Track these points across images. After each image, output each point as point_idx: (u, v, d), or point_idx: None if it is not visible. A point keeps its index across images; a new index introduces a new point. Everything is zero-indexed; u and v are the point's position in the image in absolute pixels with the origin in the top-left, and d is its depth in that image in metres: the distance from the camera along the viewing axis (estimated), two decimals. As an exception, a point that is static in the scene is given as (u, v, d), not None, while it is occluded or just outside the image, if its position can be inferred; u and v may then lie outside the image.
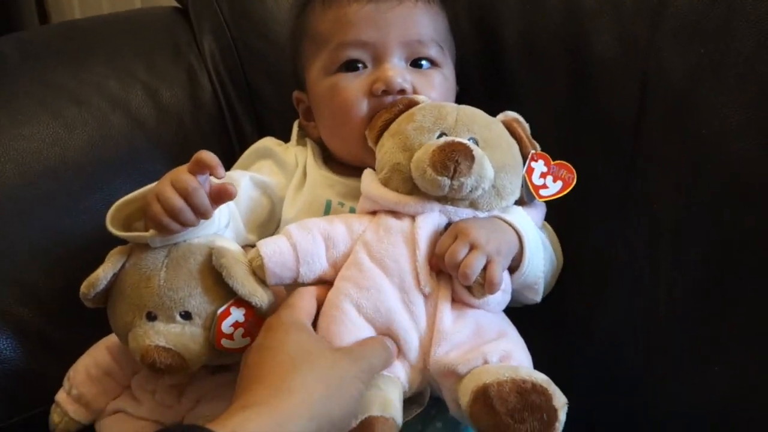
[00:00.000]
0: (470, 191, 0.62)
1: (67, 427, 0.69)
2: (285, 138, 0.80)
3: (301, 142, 0.79)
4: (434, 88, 0.72)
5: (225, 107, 0.89)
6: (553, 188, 0.66)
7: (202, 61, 0.90)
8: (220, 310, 0.61)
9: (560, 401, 0.55)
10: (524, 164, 0.67)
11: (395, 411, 0.56)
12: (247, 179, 0.73)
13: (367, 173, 0.68)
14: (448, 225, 0.63)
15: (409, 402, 0.62)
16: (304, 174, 0.75)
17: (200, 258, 0.62)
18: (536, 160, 0.67)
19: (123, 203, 0.65)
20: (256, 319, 0.61)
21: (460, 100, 0.80)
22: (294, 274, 0.63)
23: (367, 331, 0.61)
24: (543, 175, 0.66)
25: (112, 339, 0.70)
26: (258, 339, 0.57)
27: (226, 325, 0.61)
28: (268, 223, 0.74)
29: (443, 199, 0.63)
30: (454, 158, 0.60)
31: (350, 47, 0.71)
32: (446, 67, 0.74)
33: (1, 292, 0.74)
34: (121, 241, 0.66)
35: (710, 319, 0.65)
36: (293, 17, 0.82)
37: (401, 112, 0.68)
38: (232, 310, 0.61)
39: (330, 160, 0.77)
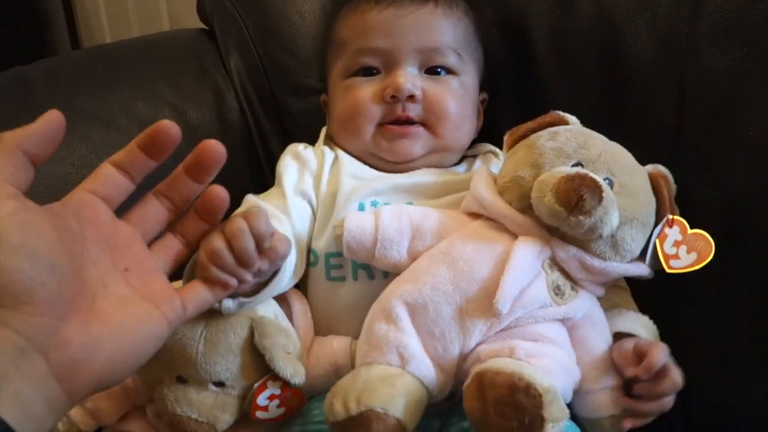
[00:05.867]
0: (585, 232, 0.56)
1: None
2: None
3: (327, 143, 0.76)
4: (450, 94, 0.70)
5: (252, 125, 0.88)
6: (685, 260, 0.58)
7: (229, 80, 0.88)
8: (256, 384, 0.59)
9: (552, 413, 0.49)
10: (656, 226, 0.59)
11: (401, 413, 0.53)
12: (291, 199, 0.68)
13: (483, 173, 0.64)
14: (551, 259, 0.58)
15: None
16: (330, 184, 0.71)
17: (241, 333, 0.59)
18: (671, 226, 0.59)
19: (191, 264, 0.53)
20: (292, 390, 0.59)
21: (489, 107, 0.78)
22: (369, 256, 0.62)
23: (407, 329, 0.57)
24: (677, 244, 0.58)
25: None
26: None
27: (262, 398, 0.59)
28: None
29: (554, 230, 0.57)
30: (580, 192, 0.54)
31: (365, 54, 0.72)
32: (465, 74, 0.73)
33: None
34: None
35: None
36: (325, 27, 0.82)
37: (547, 125, 0.63)
38: (269, 383, 0.59)
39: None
